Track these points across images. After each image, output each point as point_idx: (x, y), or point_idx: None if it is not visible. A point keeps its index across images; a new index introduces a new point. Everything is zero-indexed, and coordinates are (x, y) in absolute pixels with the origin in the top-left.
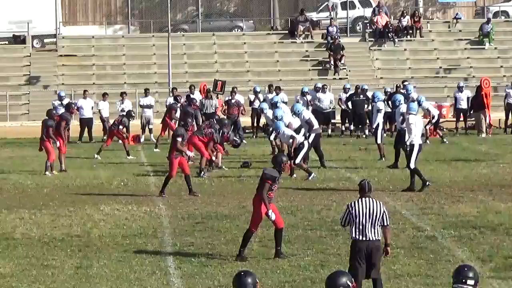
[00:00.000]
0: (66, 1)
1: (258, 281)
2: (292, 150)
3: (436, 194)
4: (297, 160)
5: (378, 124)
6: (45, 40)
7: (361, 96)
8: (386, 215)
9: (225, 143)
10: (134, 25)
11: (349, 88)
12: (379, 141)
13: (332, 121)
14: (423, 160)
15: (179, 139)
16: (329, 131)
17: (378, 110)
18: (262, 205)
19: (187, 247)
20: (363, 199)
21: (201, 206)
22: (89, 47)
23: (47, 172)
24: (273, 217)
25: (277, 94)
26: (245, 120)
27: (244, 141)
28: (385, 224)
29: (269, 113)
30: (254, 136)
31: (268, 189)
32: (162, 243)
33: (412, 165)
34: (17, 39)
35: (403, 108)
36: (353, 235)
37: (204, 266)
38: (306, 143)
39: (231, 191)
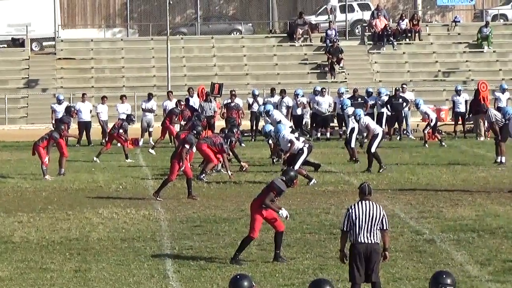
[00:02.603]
0: (65, 4)
1: (254, 284)
2: (287, 156)
3: (434, 198)
4: (296, 166)
5: (353, 128)
6: (44, 43)
7: (359, 99)
8: (385, 219)
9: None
10: (133, 28)
11: (343, 93)
12: (352, 144)
13: (331, 124)
14: (421, 164)
15: (187, 146)
16: (328, 134)
17: (349, 116)
18: (262, 210)
19: (186, 251)
20: (363, 202)
21: (200, 209)
22: (87, 50)
23: (46, 177)
24: (284, 214)
25: (282, 98)
26: (244, 124)
27: (242, 144)
28: (384, 227)
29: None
30: (253, 140)
31: (270, 199)
32: (160, 247)
33: None
34: (16, 42)
35: (348, 110)
36: (352, 238)
37: (203, 269)
38: (305, 149)
39: (229, 194)
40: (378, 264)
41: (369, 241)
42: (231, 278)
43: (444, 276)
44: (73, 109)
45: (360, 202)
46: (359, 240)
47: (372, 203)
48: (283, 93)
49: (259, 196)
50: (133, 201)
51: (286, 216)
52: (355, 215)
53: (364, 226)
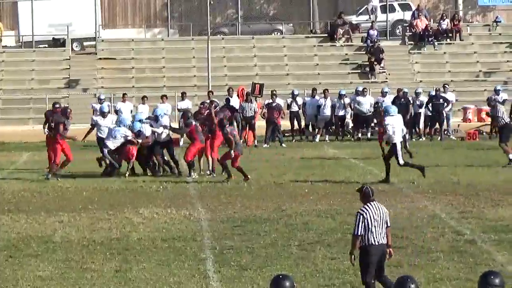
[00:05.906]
0: (106, 4)
1: (295, 284)
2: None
3: (475, 198)
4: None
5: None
6: (85, 43)
7: (402, 100)
8: (388, 216)
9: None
10: (174, 28)
11: (387, 92)
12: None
13: (372, 124)
14: (462, 165)
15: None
16: (369, 134)
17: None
18: None
19: (227, 251)
20: (371, 204)
21: (241, 209)
22: (128, 50)
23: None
24: None
25: (325, 98)
26: (283, 124)
27: (283, 144)
28: (388, 225)
29: None
30: (293, 140)
31: None
32: (201, 247)
33: None
34: (57, 42)
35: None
36: (368, 241)
37: (244, 269)
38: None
39: (270, 194)
40: (385, 261)
41: (383, 242)
42: (273, 278)
43: (492, 276)
44: (69, 110)
45: (369, 205)
46: (376, 242)
47: (378, 204)
48: (326, 92)
49: None
50: (173, 201)
51: None
52: (369, 218)
53: (378, 227)
